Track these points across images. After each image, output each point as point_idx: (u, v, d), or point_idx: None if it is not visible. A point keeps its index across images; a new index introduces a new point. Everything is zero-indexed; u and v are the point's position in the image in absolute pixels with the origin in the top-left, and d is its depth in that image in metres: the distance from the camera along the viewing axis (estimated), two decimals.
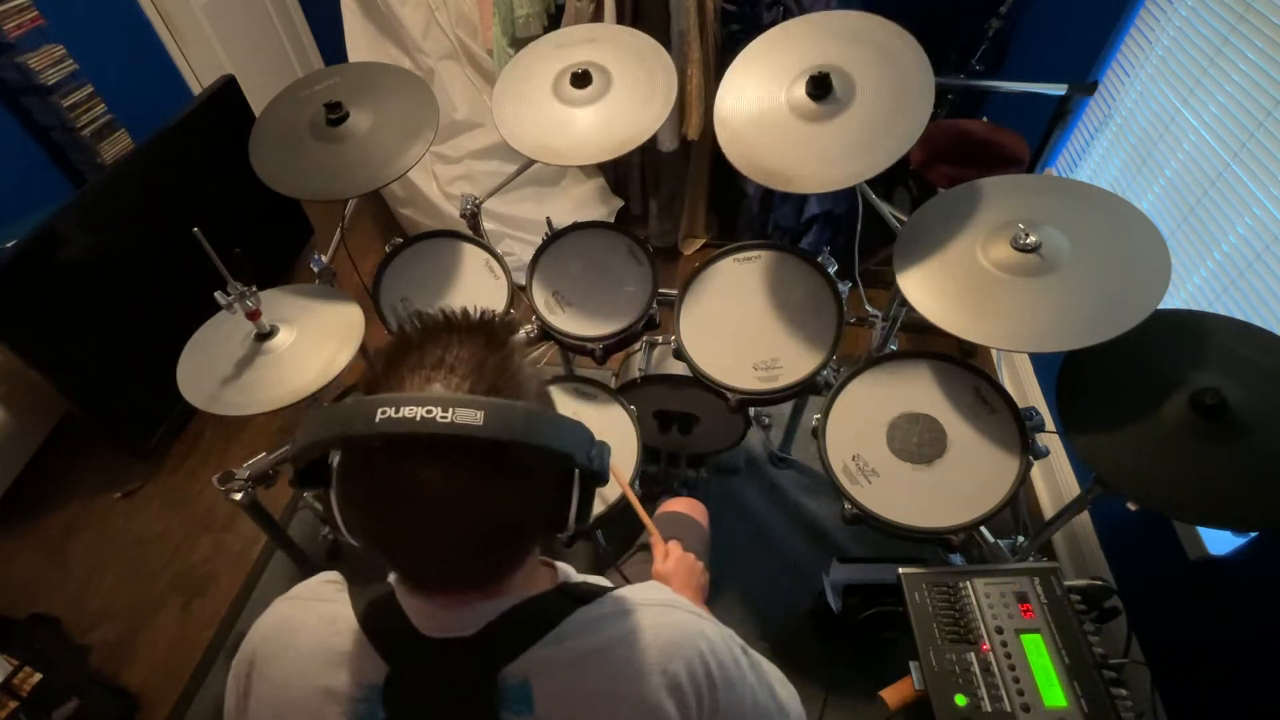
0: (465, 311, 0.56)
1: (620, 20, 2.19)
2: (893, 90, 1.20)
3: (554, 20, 2.42)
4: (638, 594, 0.64)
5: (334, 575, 0.66)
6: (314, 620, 0.61)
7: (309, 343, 1.34)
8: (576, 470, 0.54)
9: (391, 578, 0.63)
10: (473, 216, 1.63)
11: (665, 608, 0.63)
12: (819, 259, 1.41)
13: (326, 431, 0.50)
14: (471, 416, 0.47)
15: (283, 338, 1.33)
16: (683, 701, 0.58)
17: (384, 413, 0.47)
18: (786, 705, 0.73)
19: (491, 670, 0.56)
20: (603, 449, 0.56)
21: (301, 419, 0.50)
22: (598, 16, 2.21)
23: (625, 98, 1.40)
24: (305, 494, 1.85)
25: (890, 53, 1.23)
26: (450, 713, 0.57)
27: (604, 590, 0.64)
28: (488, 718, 0.55)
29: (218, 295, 1.24)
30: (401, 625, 0.58)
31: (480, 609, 0.58)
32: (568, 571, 0.69)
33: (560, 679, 0.56)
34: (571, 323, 1.52)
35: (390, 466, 0.49)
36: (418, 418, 0.46)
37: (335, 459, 0.51)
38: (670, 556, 0.98)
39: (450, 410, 0.47)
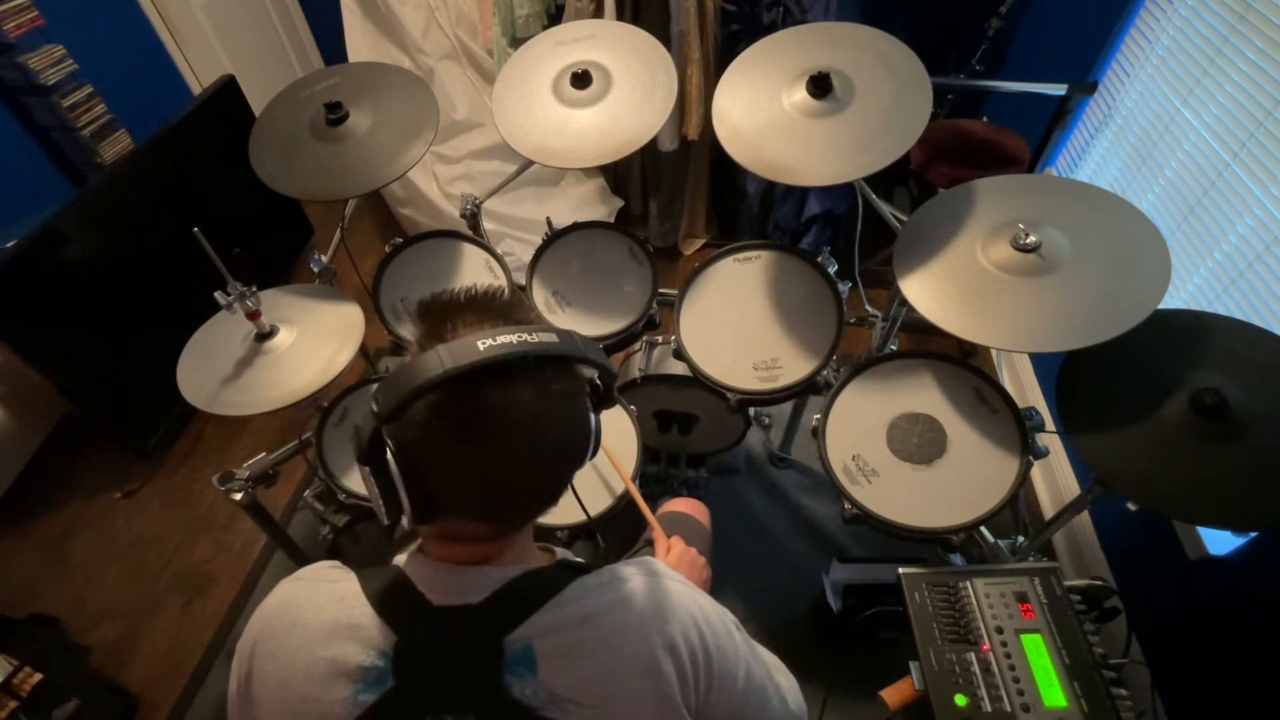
0: (487, 284, 0.62)
1: (620, 20, 2.19)
2: (892, 89, 1.21)
3: (554, 20, 2.42)
4: (633, 565, 0.67)
5: (336, 563, 0.68)
6: (321, 597, 0.62)
7: (309, 343, 1.34)
8: (598, 389, 0.64)
9: (400, 558, 0.65)
10: (473, 216, 1.63)
11: (659, 577, 0.66)
12: (819, 259, 1.41)
13: (426, 375, 0.52)
14: (549, 337, 0.55)
15: (283, 338, 1.33)
16: (679, 665, 0.61)
17: (484, 343, 0.52)
18: (785, 690, 0.74)
19: (496, 636, 0.59)
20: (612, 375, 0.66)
21: (376, 389, 0.54)
22: (597, 16, 2.21)
23: (625, 99, 1.40)
24: (306, 494, 1.85)
25: (888, 59, 1.24)
26: (456, 678, 0.58)
27: (601, 565, 0.67)
28: (492, 682, 0.57)
29: (218, 295, 1.24)
30: (411, 596, 0.61)
31: (487, 577, 0.61)
32: (566, 554, 0.73)
33: (560, 642, 0.59)
34: (571, 323, 1.52)
35: (491, 389, 0.54)
36: (514, 340, 0.53)
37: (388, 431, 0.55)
38: (672, 551, 1.00)
39: (534, 335, 0.54)
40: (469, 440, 0.55)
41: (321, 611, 0.61)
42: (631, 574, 0.65)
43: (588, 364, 0.61)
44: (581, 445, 0.63)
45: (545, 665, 0.58)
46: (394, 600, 0.61)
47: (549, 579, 0.63)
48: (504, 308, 0.59)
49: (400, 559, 0.65)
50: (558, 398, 0.58)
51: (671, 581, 0.66)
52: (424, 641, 0.59)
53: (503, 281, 1.57)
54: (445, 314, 0.58)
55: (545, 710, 0.57)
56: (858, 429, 1.26)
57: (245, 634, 0.64)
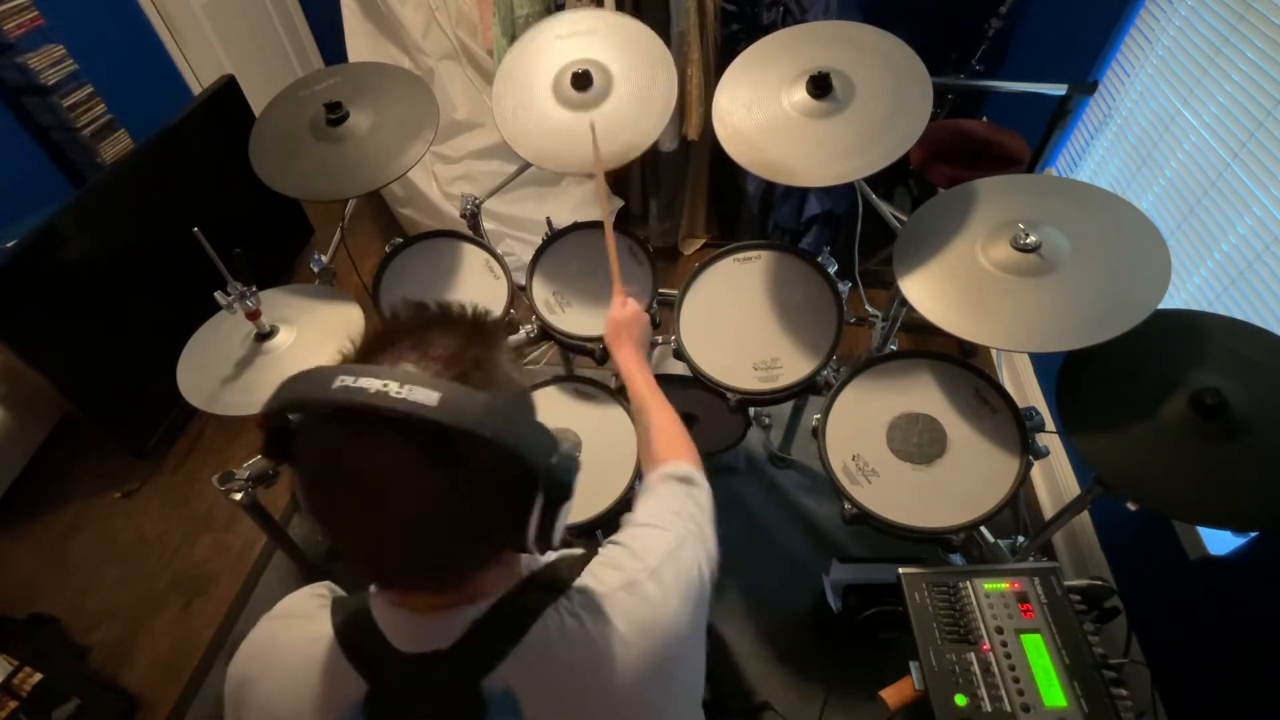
0: (461, 305, 0.56)
1: None
2: (892, 89, 1.21)
3: None
4: (604, 581, 0.61)
5: (322, 587, 0.65)
6: (294, 640, 0.60)
7: (309, 343, 1.34)
8: (540, 480, 0.50)
9: (372, 587, 0.62)
10: (473, 216, 1.63)
11: (629, 588, 0.61)
12: (819, 259, 1.41)
13: (285, 394, 0.49)
14: (426, 397, 0.45)
15: (283, 338, 1.33)
16: (675, 662, 0.60)
17: (342, 381, 0.46)
18: (692, 521, 0.72)
19: (472, 682, 0.55)
20: (570, 462, 0.52)
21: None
22: None
23: (626, 102, 1.39)
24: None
25: (888, 58, 1.24)
26: None
27: (573, 574, 0.62)
28: None
29: (218, 295, 1.24)
30: (378, 642, 0.57)
31: (453, 618, 0.56)
32: (532, 560, 0.65)
33: (544, 682, 0.55)
34: (571, 323, 1.52)
35: (343, 440, 0.48)
36: (372, 390, 0.45)
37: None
38: (627, 306, 1.08)
39: (407, 388, 0.45)
40: (314, 479, 0.51)
41: (295, 655, 0.59)
42: (602, 595, 0.60)
43: (484, 443, 0.47)
44: (492, 535, 0.53)
45: (531, 710, 0.54)
46: (361, 644, 0.57)
47: (519, 607, 0.58)
48: (451, 358, 0.51)
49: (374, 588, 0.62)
50: (431, 467, 0.47)
51: (640, 586, 0.61)
52: (397, 692, 0.56)
53: (503, 282, 1.56)
54: (385, 335, 0.53)
55: None
56: (858, 429, 1.26)
57: (230, 676, 0.62)
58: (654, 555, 0.65)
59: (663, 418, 0.93)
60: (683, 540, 0.67)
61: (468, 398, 0.47)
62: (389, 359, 0.51)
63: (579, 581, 0.61)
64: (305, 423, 0.51)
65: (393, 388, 0.45)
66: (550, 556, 0.67)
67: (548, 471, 0.50)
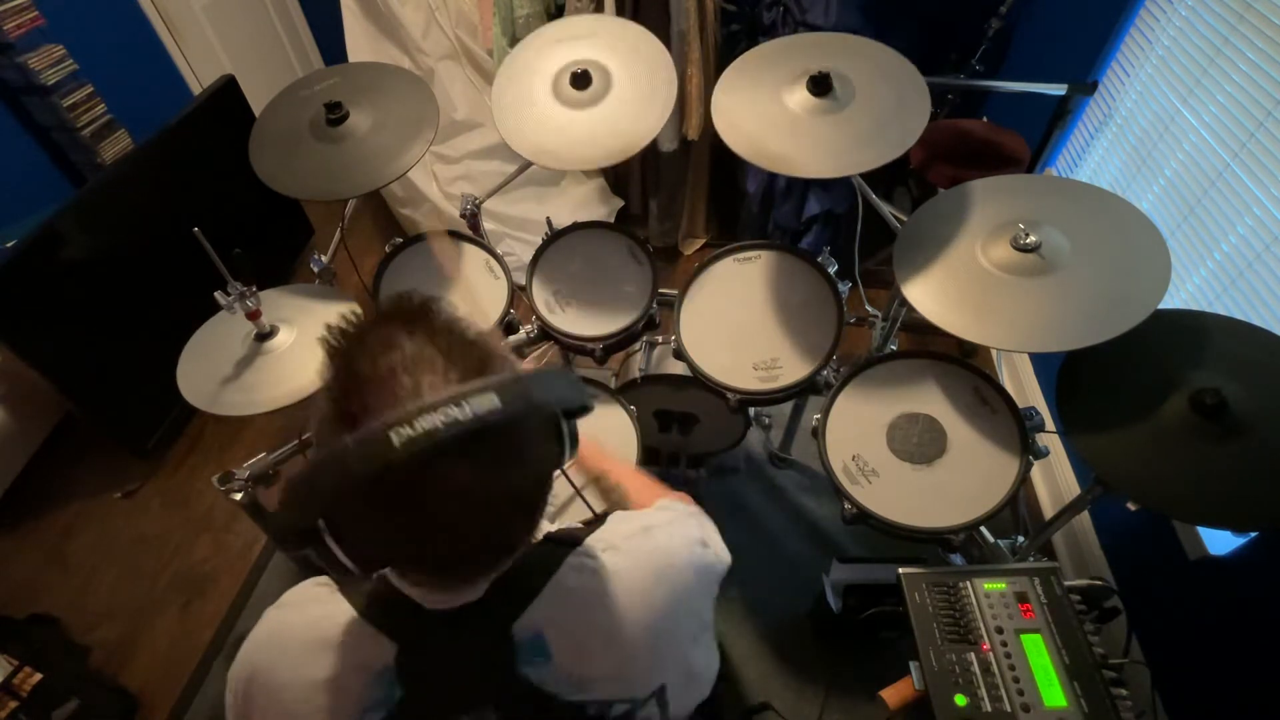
0: (382, 302, 0.54)
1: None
2: (892, 90, 1.21)
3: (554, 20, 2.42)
4: (619, 529, 0.68)
5: (323, 579, 0.65)
6: (308, 619, 0.60)
7: (309, 343, 1.34)
8: (562, 415, 0.55)
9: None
10: (473, 216, 1.63)
11: (645, 533, 0.68)
12: (819, 259, 1.41)
13: (341, 477, 0.45)
14: (488, 402, 0.46)
15: (283, 338, 1.33)
16: (692, 609, 0.66)
17: (401, 433, 0.43)
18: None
19: (504, 626, 0.57)
20: (586, 390, 0.57)
21: (287, 479, 0.48)
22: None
23: (625, 100, 1.40)
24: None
25: (885, 66, 1.26)
26: (468, 676, 0.57)
27: (585, 533, 0.67)
28: (507, 673, 0.56)
29: (218, 295, 1.24)
30: (404, 605, 0.58)
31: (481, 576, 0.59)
32: (543, 525, 0.69)
33: (569, 622, 0.59)
34: (571, 323, 1.52)
35: (419, 478, 0.46)
36: (439, 424, 0.44)
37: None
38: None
39: (465, 404, 0.45)
40: (393, 515, 0.48)
41: (310, 633, 0.59)
42: (618, 540, 0.65)
43: (543, 412, 0.53)
44: (550, 475, 0.58)
45: (560, 650, 0.57)
46: (388, 610, 0.59)
47: (543, 557, 0.62)
48: (445, 353, 0.50)
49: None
50: (505, 458, 0.50)
51: (654, 532, 0.68)
52: (428, 646, 0.57)
53: (503, 282, 1.56)
54: (359, 363, 0.49)
55: (568, 694, 0.57)
56: (858, 429, 1.26)
57: (236, 670, 0.61)
58: (666, 514, 0.74)
59: (638, 481, 0.97)
60: (690, 515, 0.77)
61: (514, 385, 0.48)
62: (401, 384, 0.48)
63: (594, 535, 0.66)
64: (366, 488, 0.46)
65: (453, 412, 0.44)
66: (554, 525, 0.72)
67: (583, 407, 0.55)
